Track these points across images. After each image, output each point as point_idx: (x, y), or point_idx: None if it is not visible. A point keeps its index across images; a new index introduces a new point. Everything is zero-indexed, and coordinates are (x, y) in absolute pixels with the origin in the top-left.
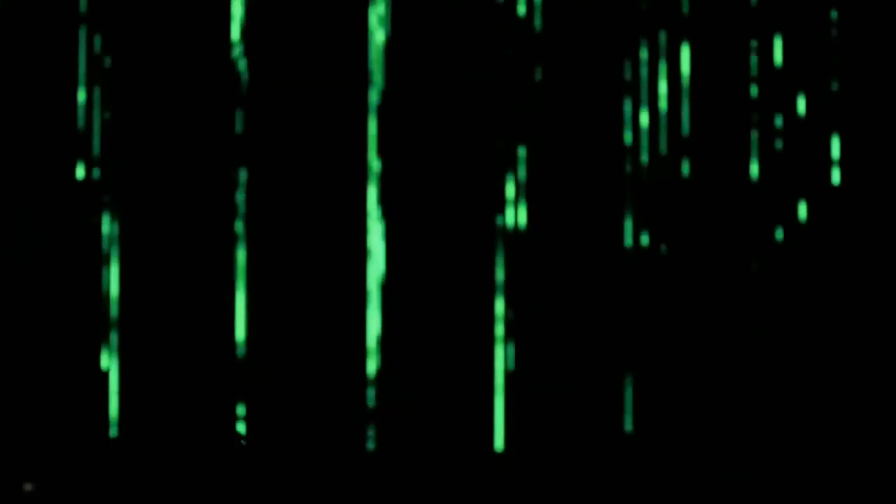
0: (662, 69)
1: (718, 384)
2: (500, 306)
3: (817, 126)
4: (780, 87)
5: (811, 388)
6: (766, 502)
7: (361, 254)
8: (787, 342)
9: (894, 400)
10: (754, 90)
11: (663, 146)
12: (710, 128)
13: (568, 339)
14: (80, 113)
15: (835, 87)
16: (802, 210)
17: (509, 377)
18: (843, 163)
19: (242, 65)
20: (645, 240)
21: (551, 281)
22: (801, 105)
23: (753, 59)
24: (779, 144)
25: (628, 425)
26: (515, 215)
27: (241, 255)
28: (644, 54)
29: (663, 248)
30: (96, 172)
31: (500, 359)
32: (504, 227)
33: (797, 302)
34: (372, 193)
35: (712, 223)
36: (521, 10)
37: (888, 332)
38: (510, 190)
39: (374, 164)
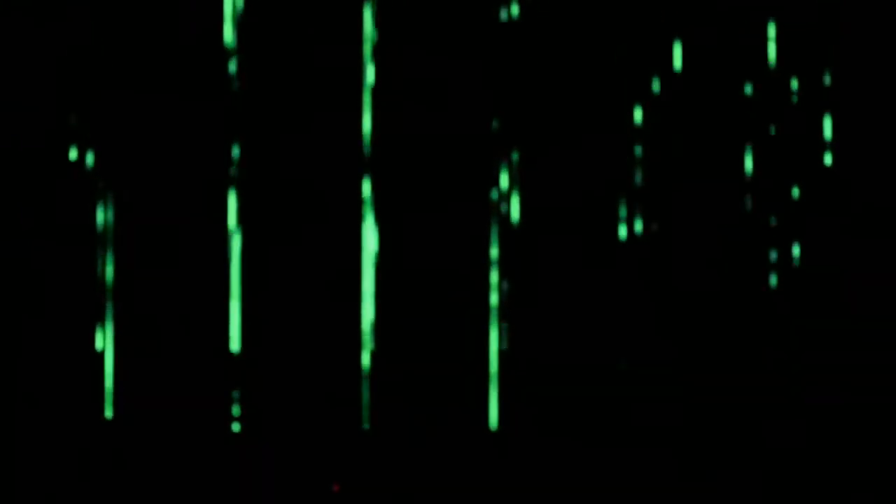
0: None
1: (712, 369)
2: (494, 292)
3: (810, 110)
4: (773, 73)
5: (807, 380)
6: (760, 493)
7: (356, 242)
8: (783, 330)
9: (891, 393)
10: (748, 82)
11: (658, 131)
12: (702, 117)
13: (562, 322)
14: (76, 106)
15: (827, 74)
16: (795, 194)
17: (503, 357)
18: (836, 146)
19: (236, 61)
20: (639, 226)
21: (546, 266)
22: (795, 88)
23: (747, 46)
24: (772, 129)
25: (621, 408)
26: (509, 202)
27: (236, 244)
28: (637, 37)
29: (657, 233)
30: (90, 159)
31: (495, 339)
32: (498, 208)
33: (792, 291)
34: (366, 185)
35: (707, 208)
36: (514, 8)
37: (884, 316)
38: (504, 179)
39: (369, 156)
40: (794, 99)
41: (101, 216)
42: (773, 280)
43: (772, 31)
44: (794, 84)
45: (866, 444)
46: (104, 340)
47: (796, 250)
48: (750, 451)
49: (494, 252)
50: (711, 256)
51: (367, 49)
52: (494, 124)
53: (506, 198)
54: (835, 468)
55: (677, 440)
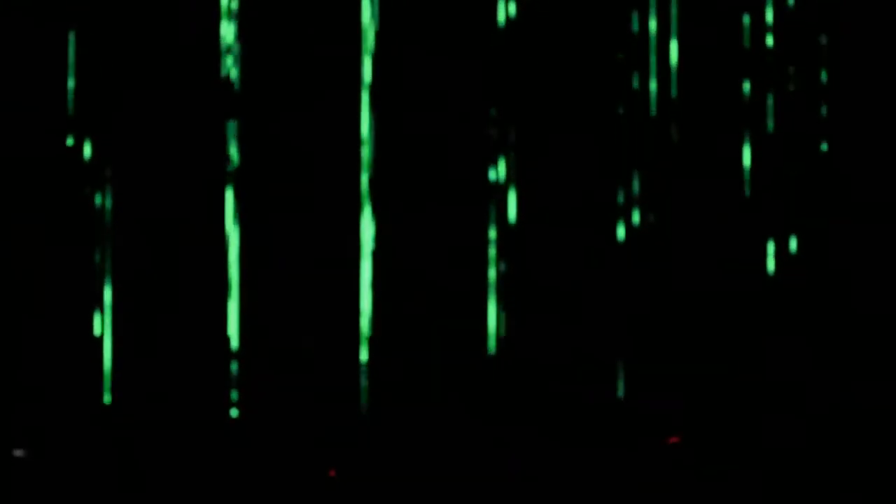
0: (653, 53)
1: (711, 364)
2: (492, 273)
3: (807, 103)
4: (771, 64)
5: (807, 374)
6: (760, 492)
7: (355, 232)
8: (781, 321)
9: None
10: (746, 77)
11: (656, 125)
12: (700, 111)
13: (560, 315)
14: (75, 100)
15: (824, 71)
16: (793, 186)
17: (500, 342)
18: (832, 138)
19: (234, 56)
20: (636, 217)
21: (543, 258)
22: (791, 81)
23: (745, 40)
24: (770, 123)
25: (620, 390)
26: (506, 193)
27: (234, 234)
28: (635, 25)
29: (655, 226)
30: (88, 150)
31: (493, 323)
32: (495, 202)
33: (790, 281)
34: (364, 179)
35: (704, 201)
36: (511, 7)
37: (881, 305)
38: (501, 172)
39: (367, 149)
40: (791, 91)
41: (100, 206)
42: (771, 271)
43: (770, 24)
44: (791, 78)
45: (864, 436)
46: (102, 326)
47: (793, 241)
48: (750, 448)
49: (492, 249)
50: (709, 247)
51: (366, 44)
52: (492, 121)
53: (503, 192)
54: (834, 459)
55: (672, 423)
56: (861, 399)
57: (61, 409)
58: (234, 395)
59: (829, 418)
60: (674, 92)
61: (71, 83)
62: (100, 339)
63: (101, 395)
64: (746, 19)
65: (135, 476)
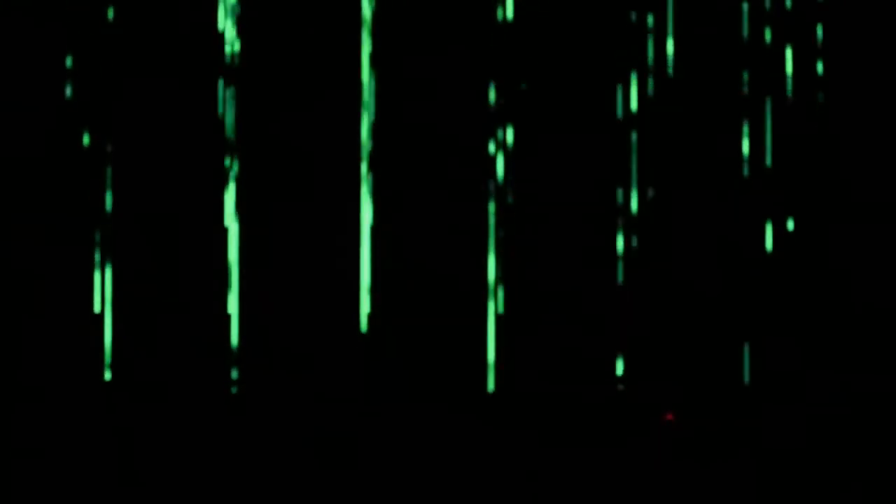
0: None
1: (710, 356)
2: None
3: (804, 95)
4: (768, 59)
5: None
6: (759, 486)
7: (355, 220)
8: (779, 308)
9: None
10: (744, 69)
11: (655, 116)
12: (699, 104)
13: (558, 307)
14: (77, 94)
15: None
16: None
17: (500, 321)
18: (827, 129)
19: (234, 49)
20: (634, 206)
21: (541, 249)
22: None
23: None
24: (767, 115)
25: (619, 370)
26: (505, 188)
27: (233, 221)
28: (633, 16)
29: (655, 217)
30: (87, 139)
31: (492, 304)
32: (494, 194)
33: (787, 266)
34: (363, 168)
35: (703, 188)
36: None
37: (874, 293)
38: (500, 162)
39: (366, 144)
40: (789, 85)
41: (100, 194)
42: (769, 255)
43: (767, 15)
44: (788, 70)
45: (861, 421)
46: (102, 303)
47: (791, 223)
48: (749, 443)
49: (490, 242)
50: (708, 233)
51: (366, 37)
52: (490, 117)
53: (501, 184)
54: (830, 444)
55: (670, 405)
56: (857, 386)
57: (62, 386)
58: (234, 373)
59: (827, 408)
60: (672, 76)
61: (70, 82)
62: (100, 318)
63: (101, 373)
64: (745, 7)
65: (135, 453)
